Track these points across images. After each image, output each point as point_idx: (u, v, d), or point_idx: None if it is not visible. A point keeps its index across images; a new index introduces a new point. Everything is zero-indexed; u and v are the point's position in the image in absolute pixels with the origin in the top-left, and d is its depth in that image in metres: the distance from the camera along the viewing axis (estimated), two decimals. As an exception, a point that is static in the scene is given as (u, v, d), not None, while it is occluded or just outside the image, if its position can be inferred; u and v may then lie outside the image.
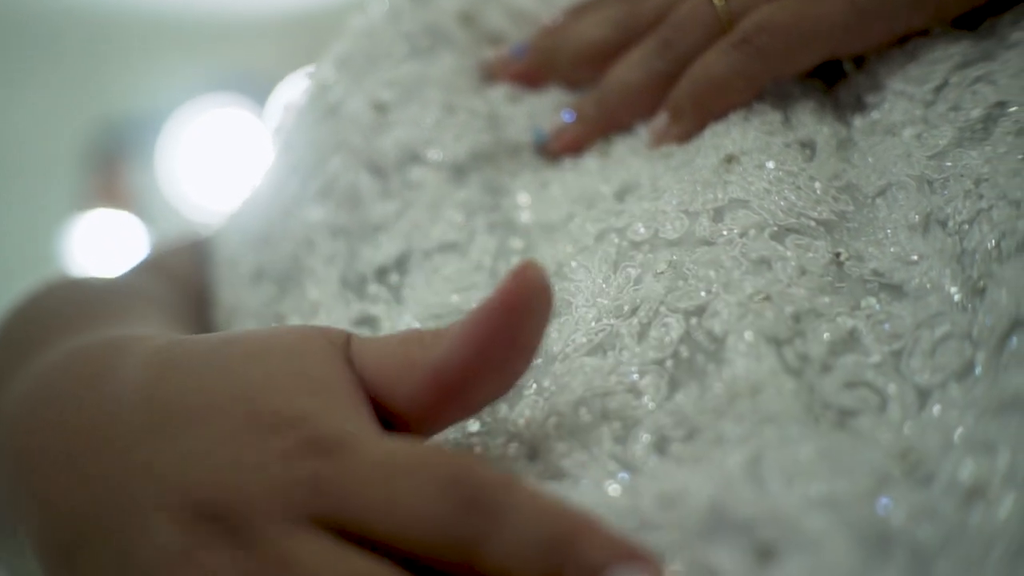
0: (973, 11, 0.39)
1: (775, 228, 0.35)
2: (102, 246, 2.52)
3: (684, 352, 0.32)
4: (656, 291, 0.34)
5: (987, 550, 0.25)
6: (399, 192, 0.43)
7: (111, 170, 2.61)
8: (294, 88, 0.51)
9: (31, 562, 0.32)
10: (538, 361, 0.35)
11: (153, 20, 2.58)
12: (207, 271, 0.51)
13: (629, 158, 0.42)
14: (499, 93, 0.46)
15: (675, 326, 0.33)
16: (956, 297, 0.32)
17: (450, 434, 0.33)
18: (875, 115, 0.39)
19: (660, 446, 0.30)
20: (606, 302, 0.35)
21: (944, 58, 0.38)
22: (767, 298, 0.33)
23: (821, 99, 0.41)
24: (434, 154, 0.43)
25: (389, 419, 0.31)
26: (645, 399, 0.31)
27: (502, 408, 0.33)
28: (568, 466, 0.31)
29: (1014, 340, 0.30)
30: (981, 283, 0.32)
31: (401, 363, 0.30)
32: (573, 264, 0.38)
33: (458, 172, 0.43)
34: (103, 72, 2.59)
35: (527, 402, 0.33)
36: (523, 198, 0.43)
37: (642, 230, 0.37)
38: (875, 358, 0.31)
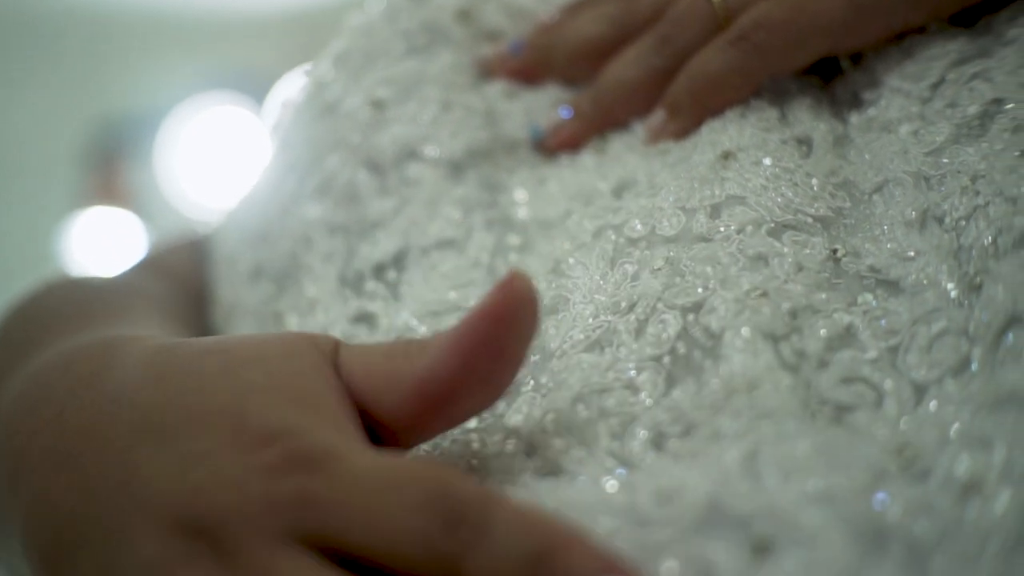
0: (970, 8, 0.39)
1: (772, 224, 0.35)
2: (101, 244, 2.52)
3: (681, 348, 0.32)
4: (653, 287, 0.34)
5: (983, 545, 0.25)
6: (397, 189, 0.43)
7: (110, 168, 2.61)
8: (292, 86, 0.51)
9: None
10: (536, 358, 0.35)
11: (151, 18, 2.57)
12: (206, 269, 0.51)
13: (626, 155, 0.42)
14: (496, 90, 0.46)
15: (672, 322, 0.33)
16: (953, 293, 0.32)
17: (448, 431, 0.33)
18: (872, 112, 0.39)
19: (657, 442, 0.30)
20: (603, 299, 0.35)
21: (941, 55, 0.38)
22: (764, 294, 0.33)
23: (818, 96, 0.41)
24: (431, 151, 0.43)
25: (376, 428, 0.31)
26: (642, 395, 0.31)
27: (500, 405, 0.33)
28: (565, 462, 0.31)
29: (1010, 336, 0.30)
30: (978, 279, 0.32)
31: (387, 374, 0.30)
32: (571, 261, 0.38)
33: (455, 169, 0.43)
34: (101, 70, 2.59)
35: (525, 399, 0.33)
36: (520, 195, 0.43)
37: (639, 227, 0.37)
38: (871, 354, 0.31)
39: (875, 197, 0.36)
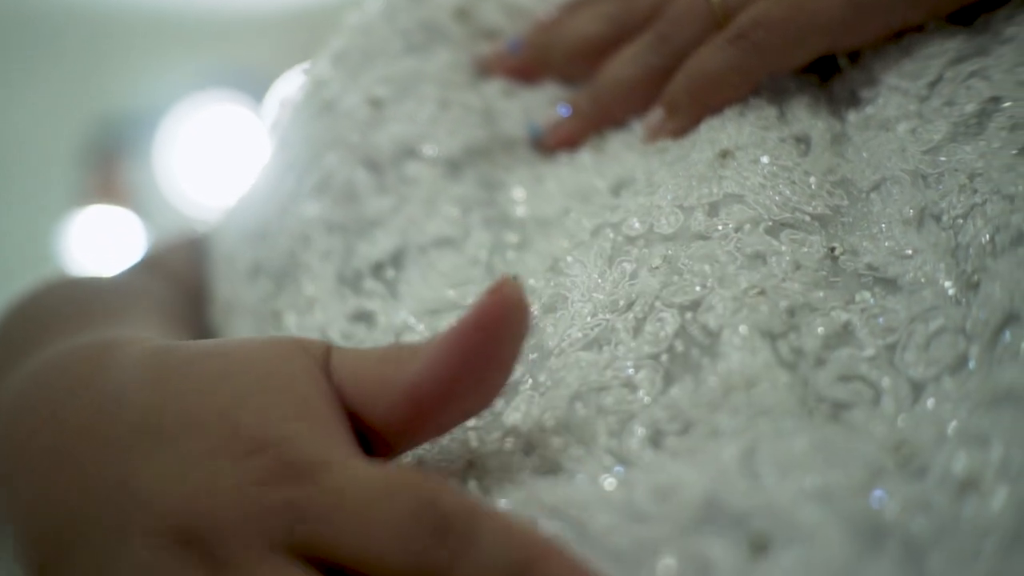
0: (968, 6, 0.39)
1: (770, 223, 0.35)
2: (100, 242, 2.52)
3: (679, 346, 0.32)
4: (651, 286, 0.34)
5: (980, 543, 0.25)
6: (395, 187, 0.43)
7: (109, 167, 2.61)
8: (291, 84, 0.51)
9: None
10: (534, 356, 0.35)
11: (150, 17, 2.57)
12: (204, 268, 0.51)
13: (624, 153, 0.42)
14: (494, 88, 0.46)
15: (670, 320, 0.33)
16: (950, 291, 0.32)
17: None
18: (869, 110, 0.39)
19: (655, 440, 0.30)
20: (601, 297, 0.35)
21: (939, 53, 0.38)
22: (762, 292, 0.33)
23: (816, 94, 0.41)
24: (429, 149, 0.43)
25: (367, 432, 0.31)
26: (640, 393, 0.32)
27: (498, 403, 0.33)
28: (564, 460, 0.31)
29: (1007, 334, 0.30)
30: (975, 277, 0.32)
31: (377, 380, 0.30)
32: (569, 259, 0.38)
33: (453, 167, 0.43)
34: (100, 69, 2.59)
35: (523, 397, 0.33)
36: (518, 193, 0.43)
37: (637, 225, 0.37)
38: (869, 352, 0.31)
39: (873, 195, 0.36)
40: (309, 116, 0.46)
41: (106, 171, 2.61)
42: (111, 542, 0.28)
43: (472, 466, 0.32)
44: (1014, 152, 0.34)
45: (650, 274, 0.35)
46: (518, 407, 0.33)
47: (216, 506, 0.27)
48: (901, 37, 0.39)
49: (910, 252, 0.34)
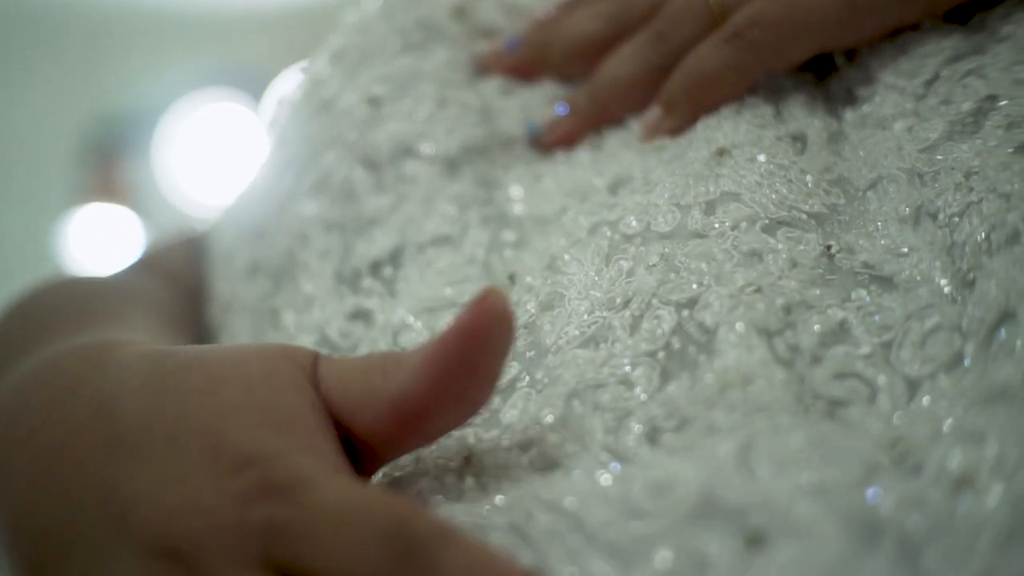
0: (964, 5, 0.39)
1: (766, 221, 0.35)
2: (99, 241, 2.52)
3: (676, 344, 0.32)
4: (648, 283, 0.34)
5: (975, 539, 0.25)
6: (393, 186, 0.43)
7: (107, 165, 2.61)
8: (289, 83, 0.51)
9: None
10: (531, 354, 0.35)
11: (149, 15, 2.57)
12: (203, 267, 0.52)
13: (622, 151, 0.42)
14: (492, 86, 0.46)
15: (667, 318, 0.33)
16: (946, 289, 0.32)
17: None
18: (866, 108, 0.39)
19: (652, 436, 0.30)
20: (599, 295, 0.35)
21: (935, 52, 0.38)
22: (758, 290, 0.33)
23: (813, 92, 0.41)
24: (427, 148, 0.43)
25: (354, 441, 0.31)
26: (637, 390, 0.32)
27: (495, 400, 0.34)
28: (560, 457, 0.31)
29: (1003, 332, 0.30)
30: (971, 275, 0.32)
31: (363, 390, 0.31)
32: (566, 257, 0.38)
33: (451, 166, 0.43)
34: (99, 67, 2.59)
35: (520, 394, 0.34)
36: (516, 191, 0.43)
37: (634, 223, 0.37)
38: (865, 349, 0.31)
39: (869, 194, 0.36)
40: (307, 115, 0.46)
41: (105, 169, 2.61)
42: (109, 544, 0.28)
43: (469, 462, 0.32)
44: (1010, 150, 0.34)
45: (647, 272, 0.35)
46: (515, 404, 0.33)
47: (199, 523, 0.27)
48: (897, 35, 0.40)
49: (906, 250, 0.34)
